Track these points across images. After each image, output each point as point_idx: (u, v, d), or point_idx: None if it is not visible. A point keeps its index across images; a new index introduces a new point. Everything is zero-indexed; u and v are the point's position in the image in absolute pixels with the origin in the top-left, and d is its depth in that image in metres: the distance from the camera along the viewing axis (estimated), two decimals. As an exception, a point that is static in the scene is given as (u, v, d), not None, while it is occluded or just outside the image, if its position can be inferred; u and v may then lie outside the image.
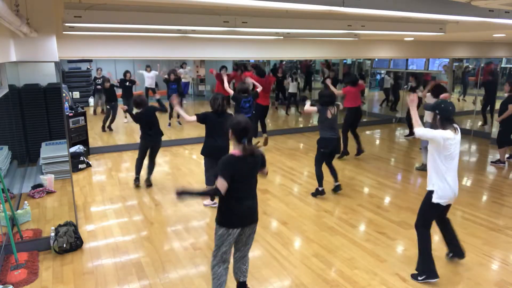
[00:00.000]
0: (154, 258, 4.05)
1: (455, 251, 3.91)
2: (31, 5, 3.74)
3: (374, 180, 6.48)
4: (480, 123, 10.26)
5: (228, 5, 3.44)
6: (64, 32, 5.50)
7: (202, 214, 5.16)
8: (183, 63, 14.69)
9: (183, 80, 14.01)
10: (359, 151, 7.74)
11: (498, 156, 7.41)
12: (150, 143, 6.05)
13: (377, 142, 9.46)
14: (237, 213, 3.05)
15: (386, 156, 7.99)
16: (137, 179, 6.18)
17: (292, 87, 12.49)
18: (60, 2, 4.13)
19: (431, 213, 3.60)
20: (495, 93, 9.63)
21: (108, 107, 9.90)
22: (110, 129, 9.90)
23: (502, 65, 10.43)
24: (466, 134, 9.77)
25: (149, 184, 6.16)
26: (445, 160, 3.39)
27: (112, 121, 9.97)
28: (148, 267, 3.88)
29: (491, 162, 7.46)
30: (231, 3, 3.09)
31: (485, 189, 6.17)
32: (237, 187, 3.00)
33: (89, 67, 14.35)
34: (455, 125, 3.43)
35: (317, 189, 5.65)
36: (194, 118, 4.87)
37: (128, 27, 5.31)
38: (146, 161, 6.18)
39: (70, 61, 13.72)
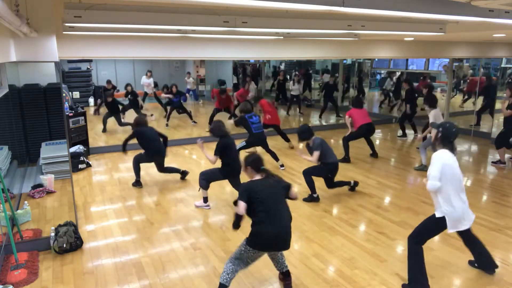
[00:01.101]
0: (154, 258, 4.05)
1: (485, 265, 3.79)
2: (31, 5, 3.74)
3: (374, 180, 6.48)
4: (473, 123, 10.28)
5: (228, 5, 3.44)
6: (64, 32, 5.50)
7: (202, 214, 5.16)
8: (187, 73, 14.91)
9: (188, 87, 14.16)
10: (373, 154, 7.90)
11: (498, 157, 7.42)
12: (151, 158, 6.15)
13: (377, 142, 9.45)
14: (259, 237, 3.16)
15: (386, 156, 7.99)
16: (138, 182, 6.16)
17: (295, 90, 12.43)
18: (60, 2, 4.13)
19: (431, 234, 3.54)
20: (493, 96, 9.67)
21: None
22: (104, 131, 9.90)
23: (502, 65, 10.44)
24: (466, 134, 9.78)
25: (183, 176, 6.47)
26: (452, 183, 3.33)
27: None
28: (148, 267, 3.88)
29: (492, 162, 7.47)
30: (231, 3, 3.09)
31: (485, 189, 6.17)
32: (259, 210, 3.15)
33: (89, 67, 14.35)
34: (455, 147, 3.45)
35: (311, 196, 5.55)
36: (214, 158, 5.09)
37: (128, 27, 5.31)
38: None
39: (70, 61, 13.72)
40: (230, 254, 4.08)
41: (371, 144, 7.88)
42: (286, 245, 3.26)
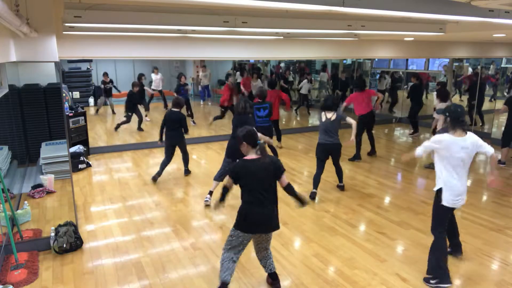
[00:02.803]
0: (154, 258, 4.05)
1: (453, 247, 3.97)
2: (31, 5, 3.73)
3: (374, 180, 6.48)
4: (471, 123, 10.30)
5: (228, 5, 3.44)
6: (64, 32, 5.50)
7: (202, 214, 5.16)
8: (202, 66, 14.59)
9: (202, 84, 13.98)
10: (372, 152, 7.83)
11: (499, 157, 7.41)
12: (171, 142, 6.31)
13: (377, 142, 9.45)
14: (246, 218, 3.18)
15: (386, 156, 7.99)
16: (155, 177, 6.34)
17: (304, 89, 12.28)
18: (60, 2, 4.13)
19: (442, 215, 3.57)
20: (481, 95, 9.70)
21: (130, 113, 9.54)
22: (141, 129, 9.77)
23: (502, 65, 10.44)
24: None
25: (187, 173, 6.70)
26: (449, 165, 3.43)
27: (140, 122, 9.87)
28: (148, 267, 3.88)
29: None
30: (231, 3, 3.09)
31: (485, 189, 6.17)
32: (248, 191, 3.17)
33: (89, 67, 14.35)
34: (466, 129, 3.46)
35: (311, 191, 5.66)
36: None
37: (128, 27, 5.32)
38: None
39: (70, 61, 13.72)
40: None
41: (372, 140, 7.75)
42: (270, 228, 3.25)
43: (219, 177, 5.35)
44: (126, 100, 9.63)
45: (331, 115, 5.50)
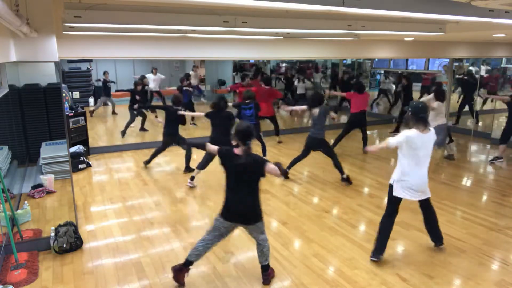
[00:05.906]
0: (154, 258, 4.05)
1: (435, 238, 4.19)
2: (31, 5, 3.73)
3: (374, 180, 6.47)
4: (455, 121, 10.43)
5: (228, 5, 3.44)
6: (64, 32, 5.50)
7: (202, 214, 5.16)
8: (193, 66, 14.56)
9: (194, 84, 13.92)
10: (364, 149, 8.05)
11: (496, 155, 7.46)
12: (168, 138, 6.82)
13: (377, 142, 9.45)
14: (225, 205, 3.41)
15: (386, 156, 7.99)
16: (146, 162, 7.07)
17: (300, 88, 12.33)
18: (60, 2, 4.13)
19: (391, 205, 3.94)
20: (471, 93, 9.81)
21: (134, 111, 9.20)
22: (145, 130, 9.60)
23: (502, 65, 10.44)
24: (466, 134, 9.77)
25: (189, 170, 6.83)
26: (410, 159, 3.76)
27: (144, 122, 9.70)
28: (148, 267, 3.88)
29: (489, 161, 7.50)
30: (231, 3, 3.09)
31: (485, 189, 6.17)
32: (228, 181, 3.39)
33: (89, 67, 14.33)
34: (428, 125, 3.75)
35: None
36: (202, 113, 6.12)
37: (128, 27, 5.31)
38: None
39: (70, 61, 13.70)
40: (230, 255, 4.10)
41: (365, 141, 8.09)
42: (246, 220, 3.42)
43: (201, 167, 6.01)
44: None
45: (315, 112, 6.06)
